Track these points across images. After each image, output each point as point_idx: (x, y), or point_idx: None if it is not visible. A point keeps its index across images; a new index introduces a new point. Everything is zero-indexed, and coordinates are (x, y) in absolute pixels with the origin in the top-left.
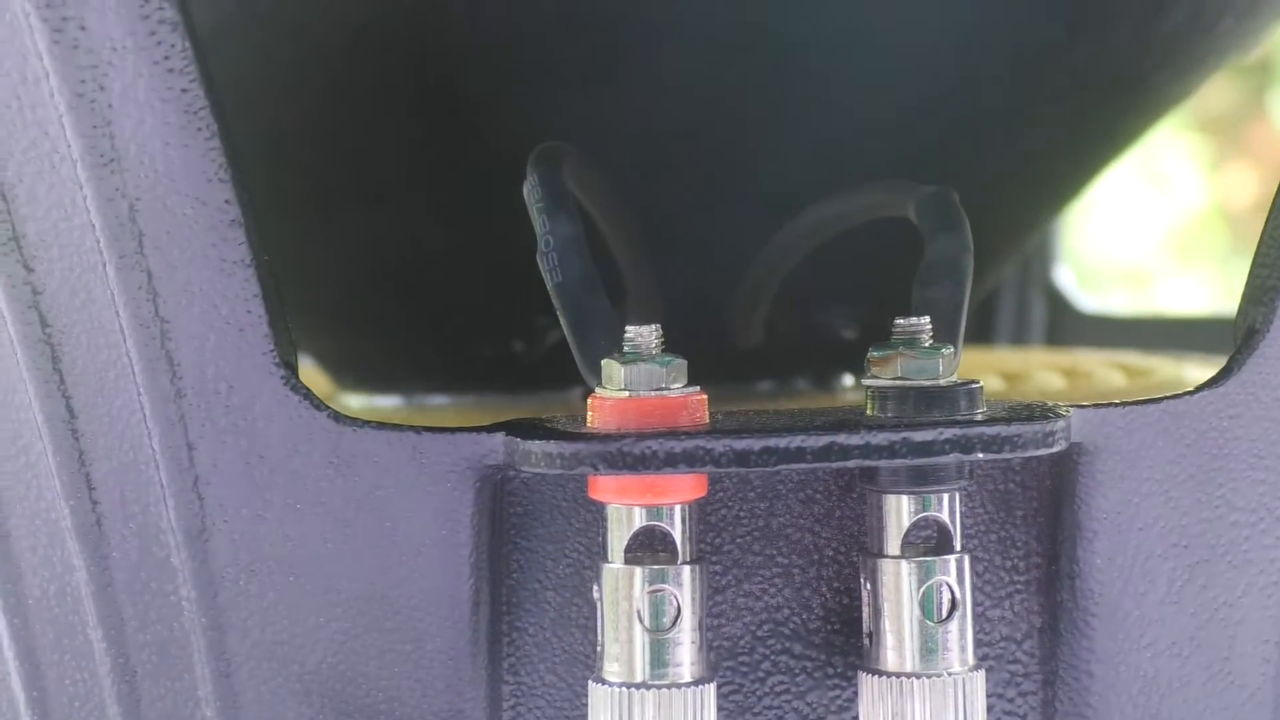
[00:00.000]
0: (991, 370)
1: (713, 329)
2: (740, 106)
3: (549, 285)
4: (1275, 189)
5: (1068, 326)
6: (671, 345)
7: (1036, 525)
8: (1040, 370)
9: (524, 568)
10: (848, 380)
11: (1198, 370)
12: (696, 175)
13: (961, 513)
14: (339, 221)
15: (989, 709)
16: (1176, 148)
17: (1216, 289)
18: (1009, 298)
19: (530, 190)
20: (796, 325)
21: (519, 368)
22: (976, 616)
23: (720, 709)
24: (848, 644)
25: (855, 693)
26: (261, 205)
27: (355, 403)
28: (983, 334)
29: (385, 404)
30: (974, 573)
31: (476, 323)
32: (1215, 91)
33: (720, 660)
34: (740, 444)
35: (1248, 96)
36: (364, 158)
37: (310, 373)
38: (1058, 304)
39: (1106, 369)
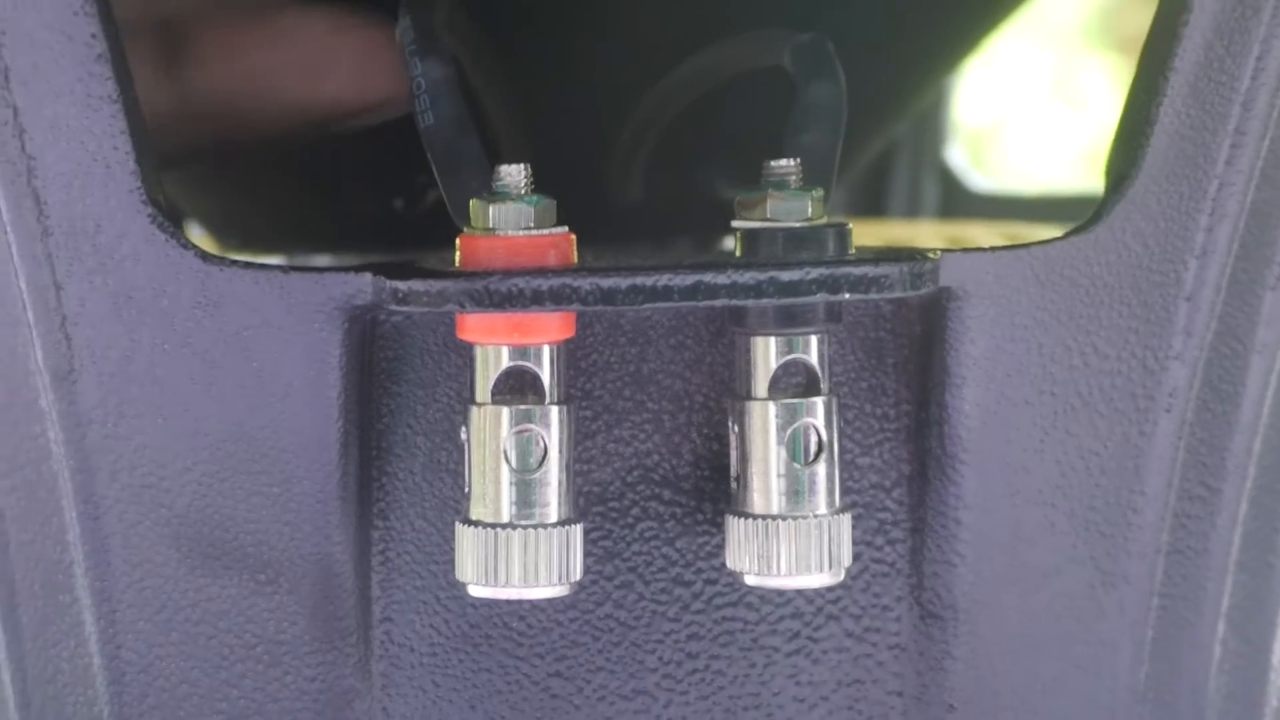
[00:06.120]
0: (878, 239)
1: (592, 188)
2: None
3: (420, 129)
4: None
5: (960, 205)
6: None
7: (906, 373)
8: (926, 239)
9: (394, 413)
10: (729, 244)
11: None
12: (574, 28)
13: (830, 358)
14: None
15: (857, 557)
16: (1094, 67)
17: None
18: (901, 178)
19: (403, 32)
20: (677, 186)
21: (401, 226)
22: (846, 465)
23: (589, 554)
24: (717, 490)
25: (724, 539)
26: None
27: None
28: (875, 212)
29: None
30: (844, 420)
31: (358, 181)
32: (1133, 11)
33: (589, 506)
34: (607, 282)
35: None
36: None
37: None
38: (950, 183)
39: (991, 237)
